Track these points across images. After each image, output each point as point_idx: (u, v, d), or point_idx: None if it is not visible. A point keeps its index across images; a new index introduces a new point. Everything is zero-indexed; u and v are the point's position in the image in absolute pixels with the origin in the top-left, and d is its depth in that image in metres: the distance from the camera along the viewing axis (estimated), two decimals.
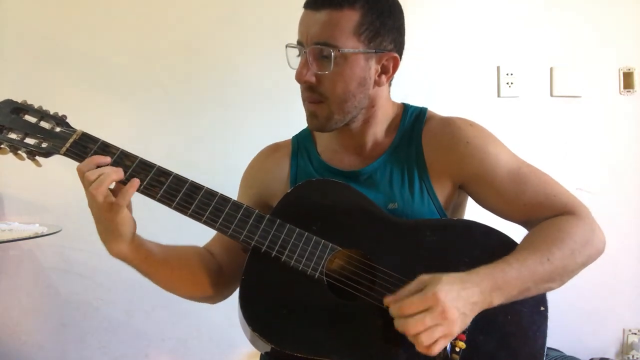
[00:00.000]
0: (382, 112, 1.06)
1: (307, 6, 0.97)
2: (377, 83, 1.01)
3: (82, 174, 0.86)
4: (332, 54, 0.93)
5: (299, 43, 0.98)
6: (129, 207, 0.90)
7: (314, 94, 0.98)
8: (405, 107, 1.10)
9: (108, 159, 0.88)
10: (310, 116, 1.02)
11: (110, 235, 0.89)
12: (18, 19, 1.86)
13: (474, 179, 1.02)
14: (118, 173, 0.87)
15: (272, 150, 1.17)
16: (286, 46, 1.01)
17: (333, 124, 1.00)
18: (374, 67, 0.99)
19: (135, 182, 0.87)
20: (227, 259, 1.07)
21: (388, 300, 0.86)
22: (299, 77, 0.97)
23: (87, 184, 0.85)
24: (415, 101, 1.13)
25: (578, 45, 2.01)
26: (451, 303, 0.81)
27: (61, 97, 1.83)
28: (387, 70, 1.01)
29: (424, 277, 0.86)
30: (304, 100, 1.02)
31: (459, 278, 0.85)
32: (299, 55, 1.00)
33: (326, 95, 0.98)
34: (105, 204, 0.85)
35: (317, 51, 0.95)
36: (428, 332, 0.80)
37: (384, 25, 0.97)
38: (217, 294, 1.06)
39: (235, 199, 0.94)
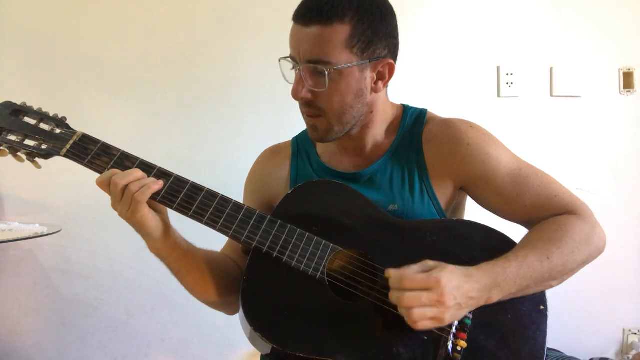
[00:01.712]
0: (380, 115, 1.06)
1: (296, 21, 0.95)
2: (374, 90, 1.00)
3: (107, 182, 0.87)
4: (326, 71, 0.92)
5: (292, 58, 0.97)
6: (162, 209, 0.92)
7: (312, 109, 0.98)
8: (405, 109, 1.10)
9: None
10: (311, 128, 1.02)
11: (140, 233, 0.91)
12: (18, 18, 1.86)
13: (475, 180, 1.02)
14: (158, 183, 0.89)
15: (273, 152, 1.17)
16: (279, 59, 0.99)
17: (333, 135, 1.00)
18: (369, 76, 0.98)
19: (159, 183, 0.89)
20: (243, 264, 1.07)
21: (390, 272, 0.86)
22: (295, 95, 0.97)
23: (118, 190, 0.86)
24: (415, 101, 1.12)
25: (578, 45, 2.01)
26: (451, 290, 0.82)
27: (61, 97, 1.83)
28: (384, 77, 1.00)
29: (430, 262, 0.87)
30: (303, 114, 1.02)
31: (463, 271, 0.86)
32: (292, 69, 0.98)
33: (324, 110, 0.97)
34: (124, 203, 0.86)
35: (311, 69, 0.94)
36: (421, 309, 0.82)
37: (376, 34, 0.95)
38: (235, 301, 1.05)
39: (235, 198, 0.94)
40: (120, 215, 0.88)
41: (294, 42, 0.95)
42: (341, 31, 0.92)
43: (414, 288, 0.82)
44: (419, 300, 0.82)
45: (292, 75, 0.98)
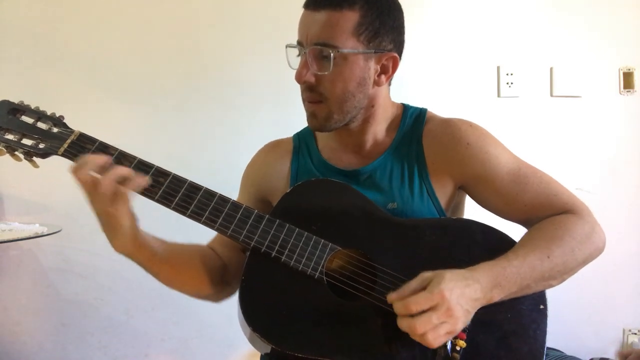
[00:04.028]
0: (381, 111, 1.06)
1: (306, 6, 0.97)
2: (377, 83, 1.01)
3: (84, 171, 0.84)
4: (332, 54, 0.94)
5: (299, 43, 0.99)
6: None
7: (314, 94, 0.99)
8: (405, 108, 1.11)
9: (104, 158, 0.87)
10: (310, 116, 1.02)
11: (113, 230, 0.87)
12: (17, 18, 1.86)
13: (475, 180, 1.02)
14: (125, 169, 0.86)
15: (273, 146, 1.17)
16: (286, 46, 1.01)
17: (332, 123, 1.00)
18: (373, 67, 0.99)
19: (143, 178, 0.86)
20: (230, 256, 1.08)
21: (392, 297, 0.86)
22: (299, 78, 0.98)
23: (88, 180, 0.84)
24: (416, 101, 1.13)
25: (578, 45, 2.01)
26: (456, 301, 0.82)
27: (60, 97, 1.83)
28: (387, 70, 1.01)
29: (426, 274, 0.86)
30: (304, 100, 1.02)
31: (461, 275, 0.85)
32: (298, 56, 1.00)
33: (326, 96, 0.98)
34: (110, 195, 0.83)
35: (316, 52, 0.95)
36: (434, 330, 0.81)
37: (383, 25, 0.97)
38: (221, 292, 1.06)
39: (235, 198, 0.94)
40: (100, 206, 0.84)
41: (303, 27, 0.97)
42: (349, 17, 0.94)
43: (420, 310, 0.82)
44: (431, 323, 0.81)
45: (297, 63, 0.99)
